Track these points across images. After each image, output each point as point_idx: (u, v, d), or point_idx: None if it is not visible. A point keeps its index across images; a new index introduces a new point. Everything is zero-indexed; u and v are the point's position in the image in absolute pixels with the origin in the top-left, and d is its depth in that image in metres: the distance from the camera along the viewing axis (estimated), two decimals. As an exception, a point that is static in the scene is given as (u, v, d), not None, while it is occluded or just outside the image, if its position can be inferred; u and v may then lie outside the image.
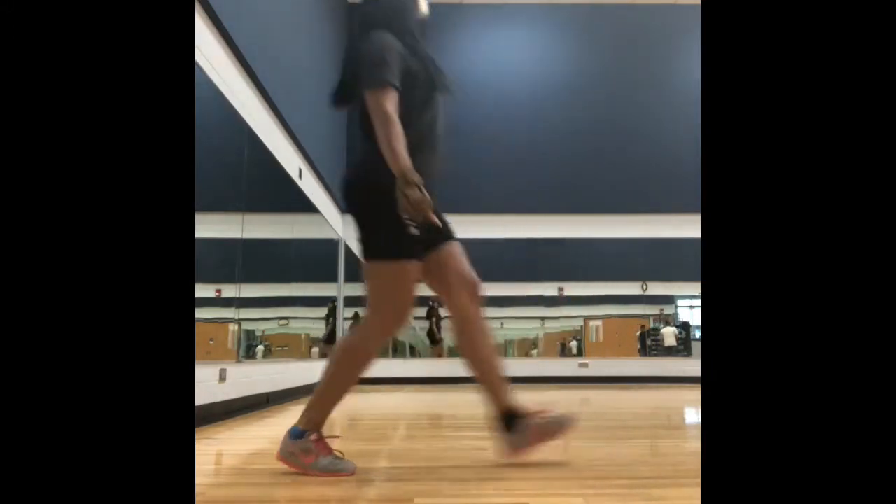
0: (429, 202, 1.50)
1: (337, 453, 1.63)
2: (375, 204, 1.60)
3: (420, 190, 1.49)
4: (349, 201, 1.69)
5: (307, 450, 1.60)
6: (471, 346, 1.76)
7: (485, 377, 1.75)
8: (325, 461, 1.60)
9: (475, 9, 8.08)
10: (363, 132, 1.71)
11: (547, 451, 1.77)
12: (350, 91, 1.74)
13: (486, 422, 1.77)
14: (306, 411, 1.66)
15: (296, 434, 1.63)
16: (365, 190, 1.65)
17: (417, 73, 1.67)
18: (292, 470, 1.61)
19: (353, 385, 1.69)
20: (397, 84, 1.60)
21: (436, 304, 7.74)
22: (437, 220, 1.54)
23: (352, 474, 1.60)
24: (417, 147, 1.62)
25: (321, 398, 1.66)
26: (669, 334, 7.90)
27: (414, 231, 1.57)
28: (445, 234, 1.77)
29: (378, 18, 1.71)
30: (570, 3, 8.15)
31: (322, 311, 6.59)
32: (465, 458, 1.80)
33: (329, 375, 1.66)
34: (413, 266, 1.64)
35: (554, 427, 1.74)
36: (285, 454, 1.63)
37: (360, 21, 1.75)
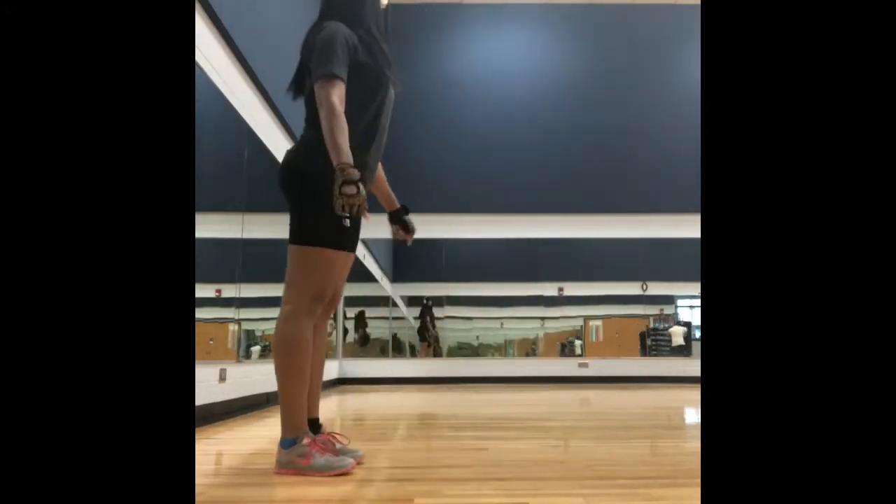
0: (363, 199, 1.50)
1: (343, 440, 1.69)
2: (310, 190, 1.63)
3: (357, 186, 1.49)
4: (285, 183, 1.72)
5: (303, 454, 1.60)
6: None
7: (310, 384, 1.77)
8: (321, 461, 1.60)
9: (475, 9, 8.08)
10: (307, 118, 1.74)
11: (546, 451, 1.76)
12: (305, 80, 1.76)
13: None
14: (284, 420, 1.65)
15: (287, 444, 1.62)
16: (301, 175, 1.67)
17: (366, 65, 1.69)
18: (294, 476, 1.59)
19: (304, 375, 1.68)
20: (343, 76, 1.61)
21: (429, 303, 7.75)
22: (366, 217, 1.56)
23: (350, 471, 1.59)
24: (361, 140, 1.66)
25: (286, 400, 1.66)
26: (678, 333, 7.90)
27: (346, 224, 1.56)
28: (355, 242, 1.82)
29: (332, 8, 1.74)
30: (569, 3, 8.15)
31: (350, 313, 6.62)
32: (465, 458, 1.80)
33: (279, 375, 1.66)
34: (339, 256, 1.68)
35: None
36: (283, 465, 1.62)
37: (320, 10, 1.77)
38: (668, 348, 7.86)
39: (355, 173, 1.50)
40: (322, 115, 1.58)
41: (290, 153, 1.74)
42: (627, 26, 8.09)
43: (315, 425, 1.75)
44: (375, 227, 8.27)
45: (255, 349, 4.31)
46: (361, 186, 1.50)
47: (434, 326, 7.76)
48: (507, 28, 8.12)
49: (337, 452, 1.67)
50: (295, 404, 1.65)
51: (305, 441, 1.61)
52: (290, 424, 1.64)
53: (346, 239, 1.69)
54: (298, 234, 1.66)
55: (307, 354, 1.67)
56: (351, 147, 1.57)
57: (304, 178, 1.66)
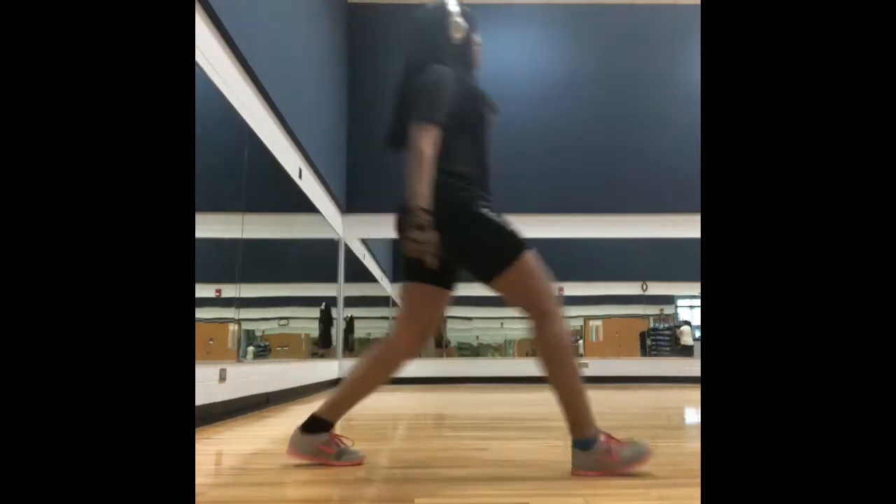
0: (433, 246, 1.49)
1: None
2: (470, 222, 1.62)
3: (425, 231, 1.48)
4: (446, 231, 1.67)
5: (607, 450, 1.57)
6: (372, 375, 1.78)
7: (349, 397, 1.78)
8: (627, 452, 1.58)
9: (475, 9, 8.07)
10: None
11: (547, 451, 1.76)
12: (402, 135, 1.74)
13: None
14: (575, 419, 1.60)
15: (585, 445, 1.59)
16: (445, 213, 1.63)
17: (466, 104, 1.70)
18: (597, 476, 1.57)
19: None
20: (442, 121, 1.60)
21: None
22: (434, 263, 1.54)
23: (648, 457, 1.60)
24: (477, 173, 1.68)
25: (578, 399, 1.61)
26: (686, 333, 7.89)
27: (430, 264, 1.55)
28: (450, 281, 1.79)
29: (426, 49, 1.76)
30: (570, 3, 8.15)
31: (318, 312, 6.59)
32: (465, 458, 1.80)
33: (563, 378, 1.61)
34: (534, 253, 1.66)
35: (342, 456, 1.76)
36: (589, 466, 1.58)
37: (411, 50, 1.80)
38: (668, 348, 7.86)
39: (427, 219, 1.50)
40: (413, 157, 1.57)
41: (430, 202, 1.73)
42: (627, 26, 8.09)
43: (325, 426, 1.77)
44: (375, 227, 8.24)
45: (250, 350, 4.30)
46: (431, 232, 1.49)
47: (445, 333, 7.79)
48: (506, 28, 8.11)
49: None
50: (585, 400, 1.61)
51: (603, 438, 1.59)
52: (584, 424, 1.59)
53: (522, 238, 1.65)
54: (493, 264, 1.63)
55: (572, 348, 1.67)
56: (472, 180, 1.65)
57: (460, 216, 1.63)
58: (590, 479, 1.54)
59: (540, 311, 1.64)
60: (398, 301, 1.81)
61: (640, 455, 1.59)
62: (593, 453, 1.57)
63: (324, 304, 6.38)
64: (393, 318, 7.96)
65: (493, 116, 1.80)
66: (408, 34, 1.85)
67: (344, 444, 1.77)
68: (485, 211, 1.63)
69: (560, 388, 1.61)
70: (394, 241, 8.35)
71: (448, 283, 1.79)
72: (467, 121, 1.71)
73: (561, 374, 1.61)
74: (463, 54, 1.80)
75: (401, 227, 1.67)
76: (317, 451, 1.74)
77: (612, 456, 1.57)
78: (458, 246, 1.62)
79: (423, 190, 1.53)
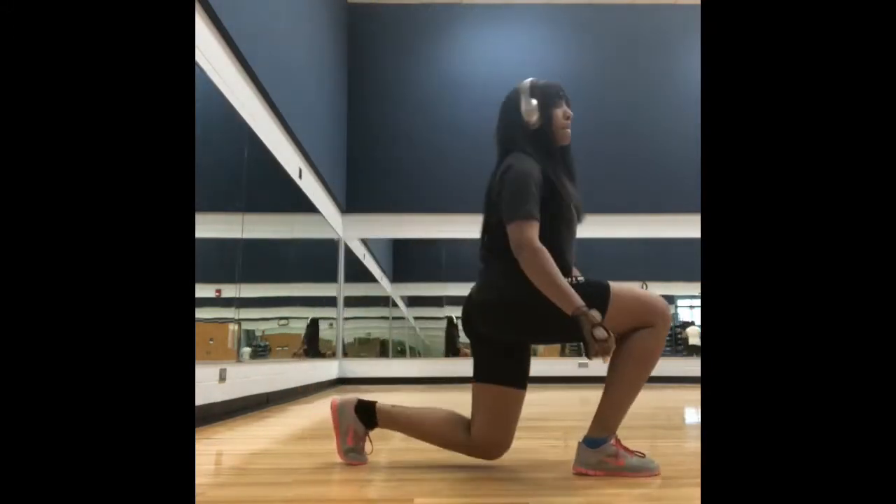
0: (613, 342, 1.44)
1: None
2: (525, 313, 1.59)
3: (605, 329, 1.44)
4: (482, 322, 1.68)
5: (613, 454, 1.57)
6: (433, 417, 1.78)
7: (417, 426, 1.79)
8: (634, 461, 1.57)
9: (475, 9, 8.07)
10: (489, 253, 1.69)
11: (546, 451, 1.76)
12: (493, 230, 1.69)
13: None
14: (605, 421, 1.59)
15: (594, 443, 1.58)
16: (510, 306, 1.61)
17: (552, 200, 1.63)
18: (598, 476, 1.56)
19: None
20: (538, 216, 1.56)
21: (455, 320, 7.70)
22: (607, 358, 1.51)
23: (657, 472, 1.58)
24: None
25: (624, 403, 1.60)
26: (694, 334, 7.87)
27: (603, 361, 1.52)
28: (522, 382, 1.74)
29: (516, 142, 1.68)
30: (570, 3, 8.15)
31: (320, 312, 6.57)
32: (465, 459, 1.80)
33: (632, 385, 1.59)
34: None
35: (350, 454, 1.76)
36: (591, 465, 1.57)
37: (499, 141, 1.74)
38: (668, 348, 7.85)
39: (598, 315, 1.45)
40: (527, 260, 1.51)
41: (482, 294, 1.68)
42: (627, 26, 8.09)
43: (374, 425, 1.77)
44: (375, 227, 8.23)
45: (246, 350, 4.30)
46: (608, 329, 1.44)
47: (459, 339, 7.80)
48: (507, 28, 8.11)
49: None
50: (627, 407, 1.60)
51: (612, 441, 1.58)
52: (606, 425, 1.58)
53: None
54: (559, 327, 1.54)
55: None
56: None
57: (511, 311, 1.61)
58: (590, 479, 1.54)
59: (649, 326, 1.58)
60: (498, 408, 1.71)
61: (647, 469, 1.57)
62: (599, 453, 1.57)
63: (310, 319, 6.31)
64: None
65: (576, 214, 1.70)
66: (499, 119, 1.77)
67: (363, 446, 1.77)
68: (538, 315, 1.56)
69: (626, 388, 1.58)
70: (394, 241, 8.36)
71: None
72: (554, 216, 1.62)
73: (632, 382, 1.59)
74: (548, 138, 1.70)
75: (469, 321, 1.70)
76: (346, 431, 1.74)
77: (618, 460, 1.56)
78: (509, 334, 1.67)
79: (567, 290, 1.48)
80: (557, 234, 1.64)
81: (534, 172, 1.60)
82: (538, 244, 1.52)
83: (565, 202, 1.65)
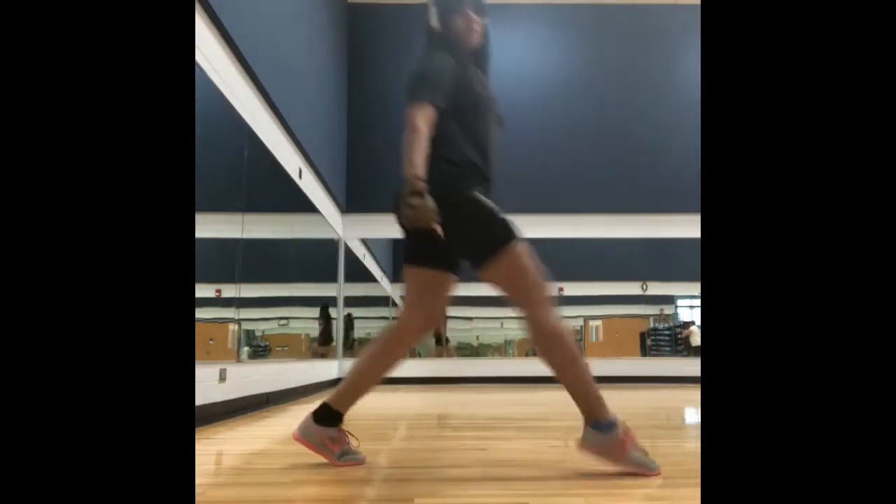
0: (432, 211, 1.50)
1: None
2: (455, 208, 1.61)
3: (420, 196, 1.50)
4: (444, 216, 1.70)
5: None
6: (381, 359, 1.77)
7: (358, 383, 1.78)
8: (636, 454, 1.59)
9: (475, 9, 8.07)
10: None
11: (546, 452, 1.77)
12: None
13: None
14: (588, 405, 1.63)
15: (605, 427, 1.59)
16: (450, 201, 1.63)
17: (467, 96, 1.71)
18: (598, 455, 1.60)
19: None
20: (434, 100, 1.63)
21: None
22: (438, 230, 1.54)
23: (658, 472, 1.59)
24: (479, 159, 1.68)
25: (582, 387, 1.63)
26: (696, 334, 7.87)
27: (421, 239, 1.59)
28: (451, 265, 1.79)
29: (433, 39, 1.82)
30: (570, 3, 8.15)
31: (316, 312, 6.58)
32: (465, 458, 1.80)
33: (566, 368, 1.62)
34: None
35: (346, 456, 1.75)
36: (597, 445, 1.60)
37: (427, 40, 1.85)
38: (668, 348, 7.86)
39: (421, 185, 1.51)
40: (406, 133, 1.60)
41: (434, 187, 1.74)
42: (628, 26, 8.09)
43: (337, 418, 1.77)
44: (375, 227, 8.24)
45: (245, 350, 4.31)
46: (429, 198, 1.50)
47: (445, 329, 7.80)
48: (507, 28, 8.11)
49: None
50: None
51: (621, 431, 1.59)
52: (600, 408, 1.62)
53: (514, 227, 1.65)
54: (487, 247, 1.63)
55: (573, 336, 1.67)
56: (469, 167, 1.66)
57: (452, 203, 1.63)
58: (590, 479, 1.54)
59: (530, 302, 1.64)
60: (403, 290, 1.81)
61: (647, 466, 1.58)
62: (607, 438, 1.58)
63: (323, 303, 6.37)
64: (392, 317, 7.97)
65: (490, 104, 1.79)
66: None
67: (349, 443, 1.77)
68: (478, 196, 1.64)
69: (565, 377, 1.62)
70: (394, 241, 8.36)
71: (450, 267, 1.79)
72: (464, 108, 1.71)
73: (563, 363, 1.61)
74: (451, 41, 1.80)
75: (397, 206, 1.68)
76: (321, 444, 1.73)
77: (623, 448, 1.57)
78: (451, 229, 1.60)
79: (417, 159, 1.55)
80: (474, 126, 1.72)
81: (441, 64, 1.69)
82: (420, 125, 1.60)
83: (474, 93, 1.73)
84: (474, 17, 1.83)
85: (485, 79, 1.84)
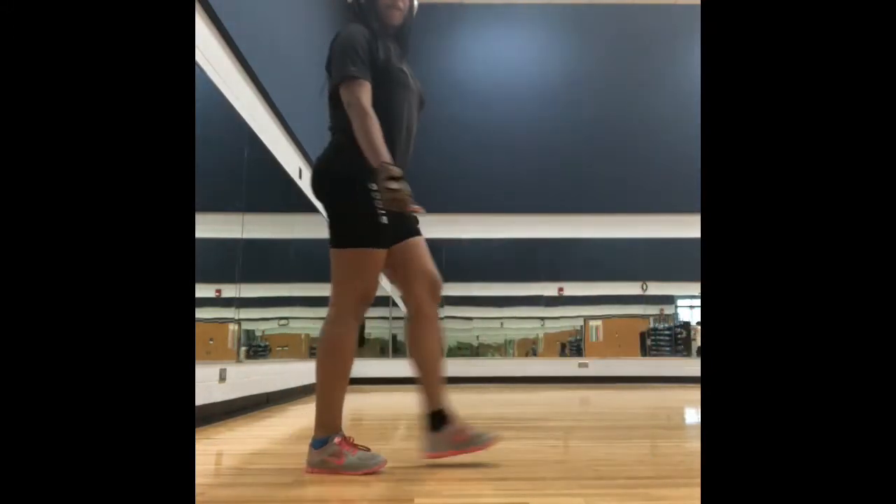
0: (408, 194, 1.52)
1: (361, 447, 1.67)
2: (345, 193, 1.64)
3: (399, 182, 1.51)
4: (319, 190, 1.72)
5: (335, 453, 1.61)
6: (417, 341, 1.80)
7: (424, 375, 1.79)
8: (354, 459, 1.61)
9: (475, 9, 8.07)
10: (332, 122, 1.75)
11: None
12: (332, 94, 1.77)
13: (416, 420, 1.82)
14: (317, 419, 1.65)
15: (319, 444, 1.63)
16: (334, 179, 1.68)
17: (381, 65, 1.70)
18: (323, 474, 1.60)
19: (345, 378, 1.69)
20: (366, 76, 1.63)
21: None
22: (416, 210, 1.57)
23: (382, 468, 1.61)
24: (390, 139, 1.66)
25: (322, 400, 1.66)
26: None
27: (384, 220, 1.60)
28: (412, 229, 1.80)
29: (350, 12, 1.79)
30: (570, 3, 8.15)
31: (320, 312, 6.58)
32: (465, 459, 1.80)
33: (319, 374, 1.66)
34: (379, 254, 1.67)
35: (474, 441, 1.75)
36: (315, 464, 1.63)
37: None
38: (668, 348, 7.85)
39: (397, 170, 1.52)
40: (352, 116, 1.60)
41: (320, 161, 1.74)
42: (627, 26, 8.09)
43: (440, 417, 1.76)
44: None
45: (242, 350, 4.30)
46: (405, 183, 1.52)
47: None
48: (507, 28, 8.11)
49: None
50: (331, 404, 1.66)
51: (336, 440, 1.62)
52: (322, 423, 1.64)
53: (385, 237, 1.67)
54: (338, 237, 1.66)
55: (349, 357, 1.68)
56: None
57: (339, 182, 1.66)
58: (590, 479, 1.54)
59: (332, 305, 1.67)
60: (386, 274, 1.80)
61: (368, 465, 1.61)
62: (321, 452, 1.61)
63: None
64: (395, 319, 7.99)
65: (409, 81, 1.76)
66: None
67: (473, 429, 1.76)
68: (364, 191, 1.60)
69: (316, 382, 1.67)
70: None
71: (414, 230, 1.80)
72: (380, 83, 1.68)
73: (318, 371, 1.66)
74: (372, 15, 1.76)
75: (322, 188, 1.69)
76: (457, 445, 1.73)
77: (338, 459, 1.60)
78: (327, 206, 1.68)
79: (379, 146, 1.55)
80: (388, 100, 1.69)
81: (359, 37, 1.67)
82: (366, 104, 1.60)
83: (393, 69, 1.72)
84: None
85: (404, 57, 1.82)
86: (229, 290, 3.74)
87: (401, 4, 1.78)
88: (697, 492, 1.39)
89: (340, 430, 1.66)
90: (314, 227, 6.01)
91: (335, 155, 1.70)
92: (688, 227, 7.13)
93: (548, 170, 7.62)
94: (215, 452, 2.09)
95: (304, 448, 1.76)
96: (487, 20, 8.09)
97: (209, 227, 3.33)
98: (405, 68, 1.77)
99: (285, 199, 5.03)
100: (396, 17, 1.79)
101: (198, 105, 1.11)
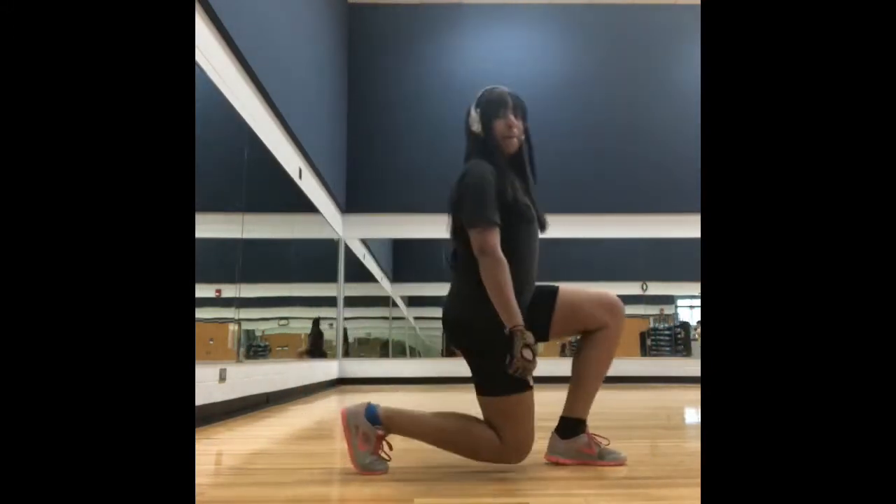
0: (535, 364, 1.48)
1: (384, 455, 1.66)
2: (489, 345, 1.57)
3: (533, 351, 1.48)
4: (461, 342, 1.67)
5: (368, 437, 1.61)
6: (596, 355, 1.74)
7: (581, 383, 1.76)
8: (369, 458, 1.61)
9: (475, 9, 8.07)
10: (460, 266, 1.69)
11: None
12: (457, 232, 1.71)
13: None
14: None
15: (371, 415, 1.63)
16: (475, 331, 1.62)
17: (510, 204, 1.64)
18: (343, 434, 1.64)
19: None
20: (498, 220, 1.59)
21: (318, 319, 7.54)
22: (532, 378, 1.54)
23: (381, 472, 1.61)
24: (518, 282, 1.60)
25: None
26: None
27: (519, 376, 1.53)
28: (551, 291, 1.75)
29: (471, 148, 1.73)
30: (569, 3, 8.15)
31: (320, 312, 6.58)
32: (465, 459, 1.80)
33: (440, 435, 1.67)
34: (531, 394, 1.62)
35: (601, 456, 1.73)
36: (353, 423, 1.62)
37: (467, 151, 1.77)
38: (668, 348, 7.85)
39: (531, 336, 1.49)
40: (485, 264, 1.55)
41: (453, 310, 1.68)
42: (627, 26, 8.09)
43: (577, 425, 1.76)
44: (375, 227, 8.22)
45: (241, 349, 4.30)
46: (536, 350, 1.49)
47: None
48: (506, 28, 8.11)
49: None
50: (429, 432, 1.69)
51: (380, 431, 1.63)
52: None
53: (529, 377, 1.59)
54: (491, 386, 1.61)
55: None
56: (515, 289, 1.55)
57: (481, 335, 1.61)
58: (590, 479, 1.54)
59: (507, 444, 1.61)
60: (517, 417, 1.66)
61: (371, 469, 1.60)
62: (366, 425, 1.63)
63: (314, 319, 6.30)
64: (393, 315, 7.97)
65: (532, 212, 1.71)
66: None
67: (602, 443, 1.75)
68: (502, 345, 1.53)
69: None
70: (394, 241, 8.37)
71: (553, 295, 1.76)
72: (508, 221, 1.63)
73: (450, 440, 1.66)
74: (492, 147, 1.71)
75: (462, 338, 1.66)
76: (580, 454, 1.72)
77: (363, 444, 1.62)
78: (467, 354, 1.66)
79: (512, 306, 1.51)
80: (516, 239, 1.65)
81: (490, 177, 1.62)
82: (499, 253, 1.55)
83: (520, 206, 1.66)
84: (515, 121, 1.73)
85: (524, 185, 1.75)
86: (229, 290, 3.74)
87: (516, 131, 1.72)
88: (697, 492, 1.39)
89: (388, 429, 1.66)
90: (314, 227, 6.02)
91: (466, 305, 1.64)
92: (688, 227, 7.13)
93: (547, 170, 7.58)
94: (215, 452, 2.09)
95: (304, 448, 1.76)
96: (487, 20, 8.09)
97: (209, 227, 3.33)
98: (529, 201, 1.72)
99: (285, 199, 5.03)
100: (513, 146, 1.73)
101: (198, 105, 1.11)
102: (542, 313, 1.70)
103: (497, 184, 1.63)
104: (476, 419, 1.68)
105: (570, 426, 1.75)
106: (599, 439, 1.76)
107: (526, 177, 1.78)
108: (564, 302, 1.73)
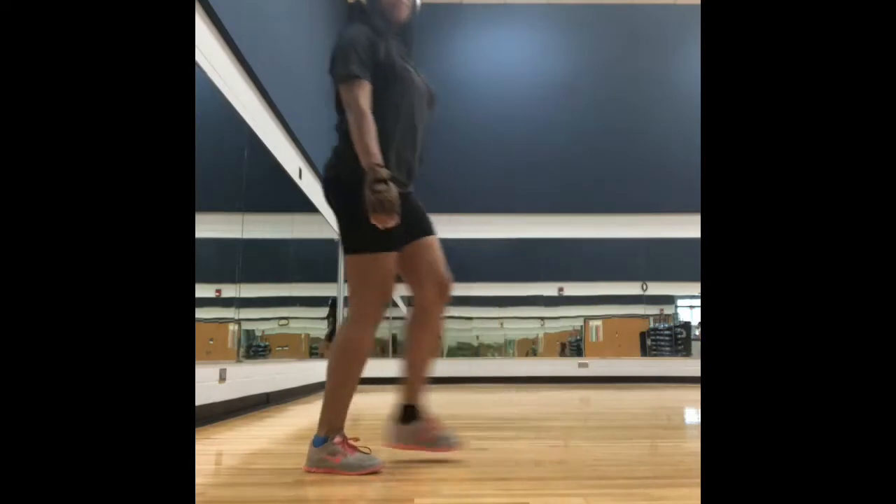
0: (395, 200, 1.51)
1: (364, 449, 1.67)
2: (351, 198, 1.61)
3: (385, 183, 1.50)
4: (328, 198, 1.72)
5: (333, 452, 1.62)
6: (415, 339, 1.81)
7: (411, 372, 1.81)
8: (352, 459, 1.62)
9: (475, 9, 8.07)
10: (337, 127, 1.73)
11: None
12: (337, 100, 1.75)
13: (390, 410, 1.87)
14: (321, 417, 1.66)
15: (319, 441, 1.64)
16: (340, 185, 1.67)
17: (385, 63, 1.67)
18: (321, 473, 1.61)
19: (355, 380, 1.69)
20: (366, 76, 1.62)
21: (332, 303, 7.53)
22: (397, 221, 1.55)
23: (379, 470, 1.62)
24: (388, 143, 1.64)
25: (329, 399, 1.67)
26: None
27: (381, 226, 1.56)
28: (425, 229, 1.80)
29: (353, 12, 1.76)
30: (569, 3, 8.15)
31: (323, 311, 6.58)
32: (465, 458, 1.80)
33: (330, 373, 1.67)
34: (391, 257, 1.65)
35: (438, 442, 1.78)
36: (313, 462, 1.64)
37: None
38: (668, 348, 7.85)
39: (384, 172, 1.51)
40: (350, 117, 1.59)
41: (327, 168, 1.73)
42: (627, 26, 8.09)
43: (413, 412, 1.79)
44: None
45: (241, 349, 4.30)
46: (391, 184, 1.51)
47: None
48: (507, 28, 8.11)
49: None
50: (337, 403, 1.67)
51: (336, 440, 1.63)
52: (326, 422, 1.65)
53: (396, 239, 1.65)
54: (349, 243, 1.66)
55: (362, 360, 1.68)
56: (390, 147, 1.61)
57: (345, 188, 1.64)
58: (590, 479, 1.54)
59: (350, 309, 1.67)
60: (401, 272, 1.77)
61: (365, 466, 1.62)
62: (321, 451, 1.62)
63: (331, 300, 6.35)
64: (403, 318, 7.99)
65: (414, 80, 1.74)
66: None
67: (439, 431, 1.79)
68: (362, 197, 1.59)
69: (327, 380, 1.69)
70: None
71: (427, 230, 1.80)
72: (383, 82, 1.66)
73: (330, 372, 1.67)
74: (376, 13, 1.73)
75: (331, 195, 1.69)
76: (418, 440, 1.77)
77: (336, 458, 1.61)
78: (336, 213, 1.69)
79: (372, 146, 1.55)
80: (390, 97, 1.68)
81: (360, 37, 1.65)
82: (361, 104, 1.58)
83: (395, 65, 1.69)
84: None
85: (409, 54, 1.80)
86: (229, 290, 3.74)
87: (405, 0, 1.76)
88: (697, 492, 1.39)
89: (342, 430, 1.66)
90: (314, 226, 6.02)
91: (338, 161, 1.69)
92: (688, 227, 7.13)
93: (547, 170, 7.62)
94: (215, 452, 2.09)
95: (305, 448, 1.76)
96: (487, 20, 8.09)
97: (209, 227, 3.33)
98: (409, 65, 1.76)
99: (285, 199, 5.03)
100: (403, 13, 1.77)
101: (198, 105, 1.11)
102: (413, 226, 1.75)
103: (371, 45, 1.66)
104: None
105: (410, 412, 1.80)
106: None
107: (411, 46, 1.83)
108: (429, 242, 1.80)
